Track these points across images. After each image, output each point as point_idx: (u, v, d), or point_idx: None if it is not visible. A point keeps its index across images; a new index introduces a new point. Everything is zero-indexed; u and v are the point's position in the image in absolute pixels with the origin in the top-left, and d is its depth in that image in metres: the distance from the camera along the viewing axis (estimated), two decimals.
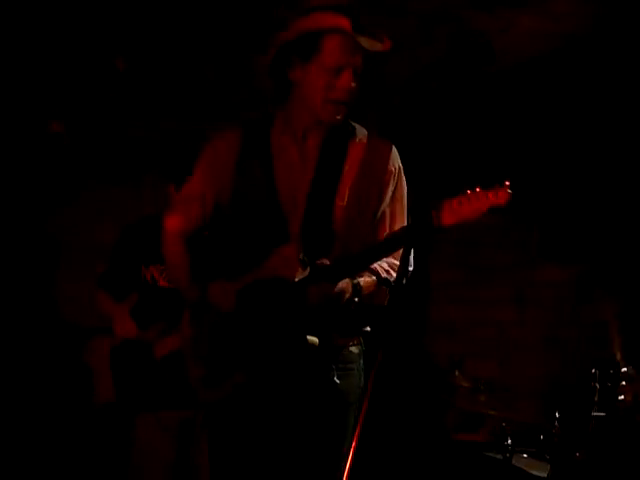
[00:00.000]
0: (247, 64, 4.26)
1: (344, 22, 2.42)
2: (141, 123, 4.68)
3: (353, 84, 2.45)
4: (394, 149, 2.59)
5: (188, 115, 4.59)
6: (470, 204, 2.23)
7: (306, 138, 2.54)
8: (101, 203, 4.69)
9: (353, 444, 2.08)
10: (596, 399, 3.46)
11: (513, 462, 3.66)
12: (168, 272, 3.13)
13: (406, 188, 2.62)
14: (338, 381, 2.48)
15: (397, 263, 2.52)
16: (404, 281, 2.22)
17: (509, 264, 4.96)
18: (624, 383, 3.43)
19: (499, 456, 3.69)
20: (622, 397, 3.43)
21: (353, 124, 2.59)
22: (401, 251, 2.51)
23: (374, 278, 2.48)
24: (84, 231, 4.64)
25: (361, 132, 2.59)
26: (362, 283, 2.45)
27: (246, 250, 2.52)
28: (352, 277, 2.44)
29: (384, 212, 2.56)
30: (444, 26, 4.18)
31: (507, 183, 2.23)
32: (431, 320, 5.11)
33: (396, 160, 2.59)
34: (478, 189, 2.24)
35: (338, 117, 2.50)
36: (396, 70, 4.44)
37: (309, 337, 2.38)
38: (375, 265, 2.50)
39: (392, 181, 2.57)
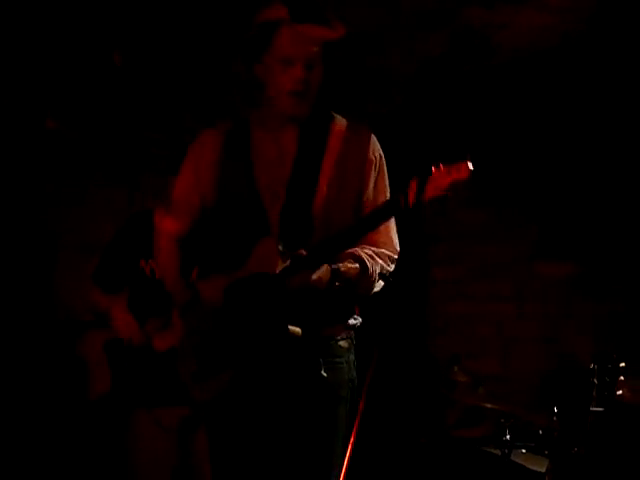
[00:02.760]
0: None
1: (282, 12, 2.43)
2: (139, 120, 4.68)
3: (304, 74, 2.43)
4: (373, 137, 2.59)
5: (185, 112, 4.59)
6: (434, 181, 2.23)
7: (283, 132, 2.55)
8: (98, 201, 4.68)
9: (351, 440, 2.09)
10: (594, 394, 3.46)
11: (512, 457, 3.66)
12: (160, 273, 3.13)
13: (387, 177, 2.61)
14: (326, 374, 2.48)
15: (384, 251, 2.54)
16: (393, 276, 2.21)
17: (508, 260, 4.96)
18: (622, 378, 3.43)
19: (498, 451, 3.69)
20: (620, 392, 3.43)
21: (333, 114, 2.60)
22: (386, 239, 2.55)
23: (357, 265, 2.46)
24: (81, 228, 4.63)
25: (340, 122, 2.59)
26: (342, 268, 2.43)
27: (232, 246, 2.53)
28: (333, 263, 2.42)
29: (368, 201, 2.54)
30: (443, 22, 4.18)
31: (468, 156, 2.22)
32: (430, 316, 5.12)
33: (376, 148, 2.58)
34: (441, 166, 2.24)
35: (300, 109, 2.49)
36: (396, 66, 4.45)
37: (291, 327, 2.38)
38: (359, 251, 2.49)
39: (373, 170, 2.56)
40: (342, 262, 2.45)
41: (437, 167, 2.24)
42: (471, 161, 2.22)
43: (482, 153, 4.72)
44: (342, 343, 2.56)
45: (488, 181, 4.67)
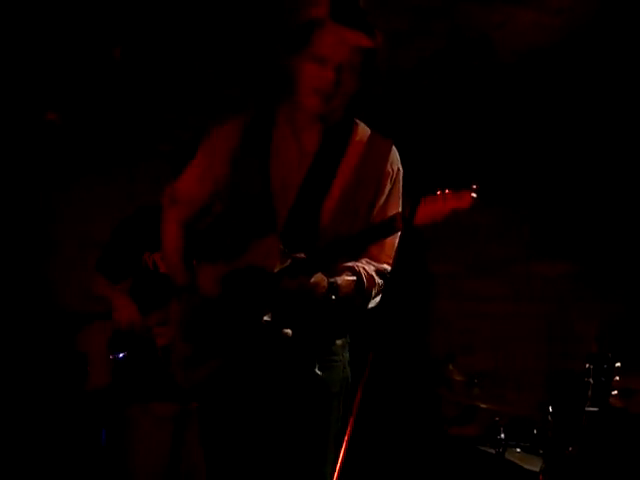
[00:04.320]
0: (245, 56, 4.28)
1: (323, 10, 2.42)
2: (138, 114, 4.67)
3: (334, 76, 2.41)
4: (394, 150, 2.56)
5: (184, 106, 4.59)
6: (436, 206, 2.23)
7: (306, 133, 2.53)
8: (96, 193, 4.68)
9: (346, 437, 2.08)
10: (590, 394, 3.47)
11: (506, 456, 3.67)
12: (163, 256, 3.10)
13: (401, 192, 2.58)
14: (320, 373, 2.48)
15: (386, 267, 2.52)
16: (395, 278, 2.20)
17: (504, 259, 4.96)
18: (617, 378, 3.44)
19: (492, 450, 3.70)
20: (615, 392, 3.43)
21: (357, 122, 2.58)
22: (390, 252, 2.53)
23: (354, 278, 2.45)
24: (80, 222, 4.63)
25: (363, 130, 2.57)
26: (339, 281, 2.41)
27: (235, 238, 2.52)
28: (329, 275, 2.41)
29: (378, 214, 2.52)
30: (442, 20, 4.17)
31: (474, 187, 2.21)
32: (427, 314, 5.12)
33: (395, 162, 2.56)
34: (447, 191, 2.23)
35: (322, 109, 2.46)
36: (393, 64, 4.43)
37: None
38: (358, 267, 2.48)
39: (389, 183, 2.54)
40: (340, 274, 2.44)
41: (443, 191, 2.24)
42: (475, 191, 2.21)
43: (478, 154, 4.73)
44: (337, 341, 2.55)
45: (485, 180, 4.67)
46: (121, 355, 3.59)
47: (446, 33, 4.28)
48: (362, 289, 2.46)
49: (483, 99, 4.68)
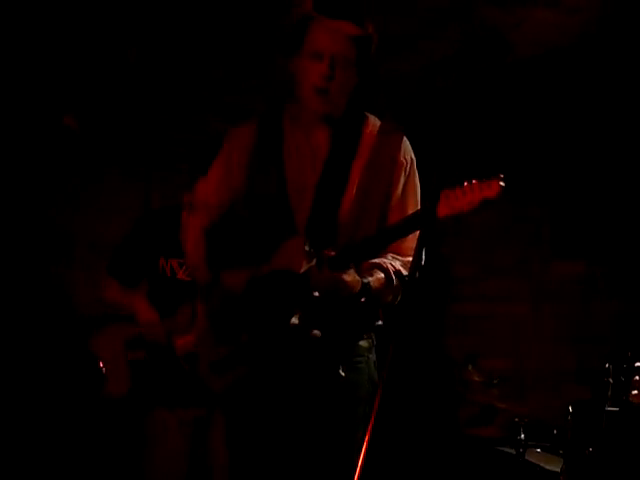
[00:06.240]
0: (257, 60, 4.29)
1: (308, 6, 2.44)
2: (153, 118, 4.68)
3: (329, 70, 2.42)
4: (405, 140, 2.57)
5: (200, 110, 4.60)
6: (464, 197, 2.22)
7: (316, 132, 2.54)
8: (114, 199, 4.69)
9: (366, 438, 2.09)
10: (609, 394, 3.45)
11: (526, 457, 3.66)
12: (186, 260, 3.08)
13: (418, 181, 2.59)
14: (343, 374, 2.47)
15: (410, 260, 2.52)
16: (416, 275, 2.20)
17: (523, 259, 4.94)
18: (637, 378, 3.42)
19: (512, 451, 3.68)
20: (635, 392, 3.42)
21: (367, 115, 2.58)
22: (413, 244, 2.53)
23: (383, 276, 2.46)
24: (97, 226, 4.64)
25: (373, 123, 2.57)
26: (372, 283, 2.42)
27: (257, 242, 2.53)
28: (362, 276, 2.41)
29: (396, 205, 2.53)
30: (457, 21, 4.18)
31: (501, 175, 2.20)
32: (445, 315, 5.12)
33: (407, 152, 2.56)
34: (474, 181, 2.22)
35: (324, 108, 2.48)
36: (408, 65, 4.44)
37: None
38: (386, 263, 2.48)
39: (403, 174, 2.54)
40: (370, 274, 2.44)
41: (469, 182, 2.23)
42: (503, 180, 2.20)
43: (496, 153, 4.72)
44: (362, 343, 2.55)
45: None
46: None
47: (459, 36, 4.29)
48: (391, 286, 2.47)
49: (499, 98, 4.68)
